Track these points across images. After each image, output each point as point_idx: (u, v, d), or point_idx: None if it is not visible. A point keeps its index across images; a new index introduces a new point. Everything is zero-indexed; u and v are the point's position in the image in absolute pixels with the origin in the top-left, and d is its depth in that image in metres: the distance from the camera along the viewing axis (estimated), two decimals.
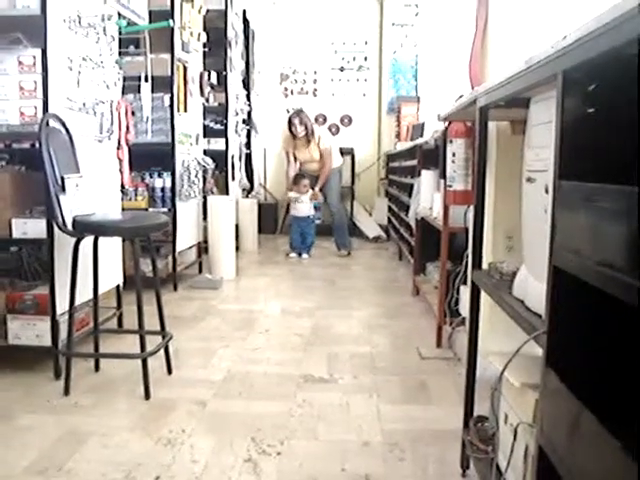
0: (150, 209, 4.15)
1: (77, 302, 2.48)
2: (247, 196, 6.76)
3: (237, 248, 5.24)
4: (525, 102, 1.53)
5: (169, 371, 2.66)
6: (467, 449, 1.77)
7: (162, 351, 2.61)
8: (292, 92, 8.04)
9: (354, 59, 7.94)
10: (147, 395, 2.38)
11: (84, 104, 2.74)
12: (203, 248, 5.00)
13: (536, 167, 1.27)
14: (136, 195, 4.11)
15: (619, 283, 0.84)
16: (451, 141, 2.69)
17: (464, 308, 2.94)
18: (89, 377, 2.61)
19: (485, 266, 1.76)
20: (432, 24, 6.42)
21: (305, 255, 6.00)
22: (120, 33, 3.13)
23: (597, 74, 1.01)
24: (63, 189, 2.38)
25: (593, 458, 0.92)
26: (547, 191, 1.18)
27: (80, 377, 2.57)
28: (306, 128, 5.93)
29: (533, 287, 1.29)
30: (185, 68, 4.39)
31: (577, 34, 0.97)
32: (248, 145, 6.98)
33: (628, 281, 0.81)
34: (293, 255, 6.01)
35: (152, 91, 3.96)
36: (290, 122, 5.98)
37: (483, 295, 1.75)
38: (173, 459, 1.91)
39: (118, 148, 3.15)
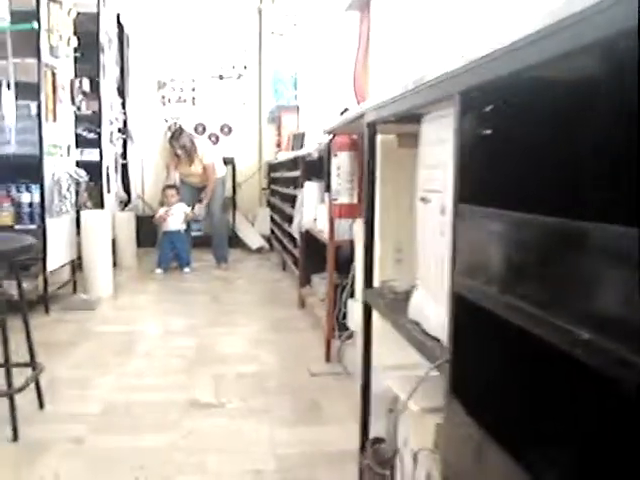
0: (17, 226, 3.82)
1: None
2: (124, 209, 6.46)
3: (115, 264, 4.96)
4: (415, 117, 1.51)
5: (41, 406, 2.43)
6: (365, 473, 1.72)
7: (32, 384, 2.38)
8: (170, 100, 7.78)
9: (233, 67, 7.81)
10: (15, 436, 2.15)
11: None
12: (77, 265, 4.69)
13: (430, 187, 1.24)
14: (0, 211, 3.78)
15: (518, 310, 0.82)
16: (336, 154, 2.66)
17: (352, 321, 2.92)
18: None
19: (377, 283, 1.73)
20: (310, 35, 6.45)
21: (187, 269, 5.79)
22: None
23: (495, 95, 0.99)
24: None
25: None
26: (443, 213, 1.15)
27: None
28: (185, 149, 5.76)
29: (430, 309, 1.26)
30: (54, 74, 4.09)
31: (476, 54, 0.94)
32: (124, 155, 6.67)
33: (525, 308, 0.79)
34: (159, 271, 5.68)
35: (16, 98, 3.65)
36: (170, 143, 5.81)
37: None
38: None
39: None
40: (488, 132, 1.01)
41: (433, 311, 1.24)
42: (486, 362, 1.02)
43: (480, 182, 1.00)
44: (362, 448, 1.79)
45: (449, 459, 1.05)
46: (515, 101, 0.98)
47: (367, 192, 1.70)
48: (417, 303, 1.34)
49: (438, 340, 1.17)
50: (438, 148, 1.19)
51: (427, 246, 1.28)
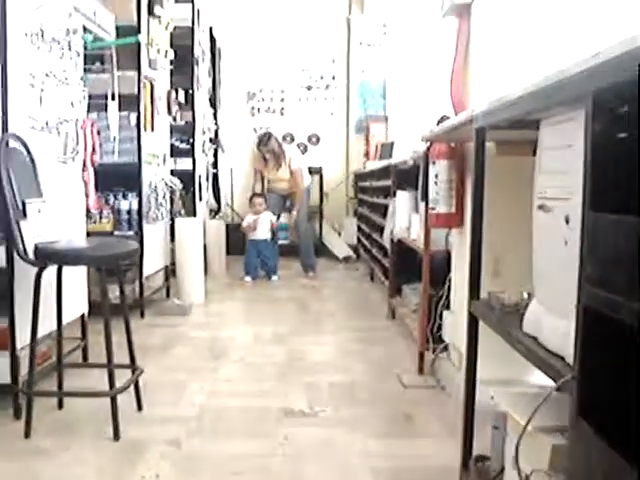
0: (116, 232, 3.97)
1: (39, 334, 2.30)
2: (214, 217, 6.60)
3: (205, 271, 5.07)
4: (527, 123, 1.45)
5: (139, 407, 2.49)
6: None
7: (131, 386, 2.44)
8: (259, 110, 7.93)
9: (322, 78, 7.88)
10: (116, 436, 2.21)
11: (47, 123, 2.58)
12: (171, 271, 4.82)
13: (551, 194, 1.17)
14: (101, 218, 3.94)
15: None
16: (434, 162, 2.61)
17: (447, 334, 2.85)
18: (52, 416, 2.43)
19: (484, 292, 1.66)
20: (401, 44, 6.41)
21: (274, 277, 5.85)
22: (85, 48, 2.98)
23: (629, 95, 0.93)
24: (24, 214, 2.22)
25: None
26: (568, 221, 1.09)
27: (42, 416, 2.37)
28: (274, 153, 5.85)
29: (549, 324, 1.19)
30: (152, 86, 4.24)
31: (611, 52, 0.88)
32: (215, 164, 6.83)
33: None
34: (248, 280, 5.76)
35: (119, 109, 3.80)
36: (258, 149, 5.91)
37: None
38: None
39: (83, 170, 2.99)
40: (623, 135, 0.95)
41: (552, 324, 1.18)
42: (615, 379, 0.96)
43: (613, 188, 0.93)
44: (464, 465, 1.73)
45: None
46: None
47: (474, 200, 1.65)
48: (534, 316, 1.27)
49: (562, 358, 1.10)
50: (562, 153, 1.13)
51: (546, 256, 1.21)
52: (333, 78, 7.89)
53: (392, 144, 5.86)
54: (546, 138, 1.22)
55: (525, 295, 1.52)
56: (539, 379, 2.30)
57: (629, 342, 0.91)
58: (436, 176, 2.57)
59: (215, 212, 6.80)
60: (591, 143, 0.94)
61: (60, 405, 2.50)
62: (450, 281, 2.86)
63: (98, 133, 3.27)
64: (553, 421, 1.30)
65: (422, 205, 2.92)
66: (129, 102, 3.99)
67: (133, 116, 4.04)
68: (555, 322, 1.17)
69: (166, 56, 4.61)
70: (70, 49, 2.75)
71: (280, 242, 6.34)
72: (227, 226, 6.43)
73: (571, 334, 1.01)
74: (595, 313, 0.93)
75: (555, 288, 1.17)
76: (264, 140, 5.86)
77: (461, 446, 1.74)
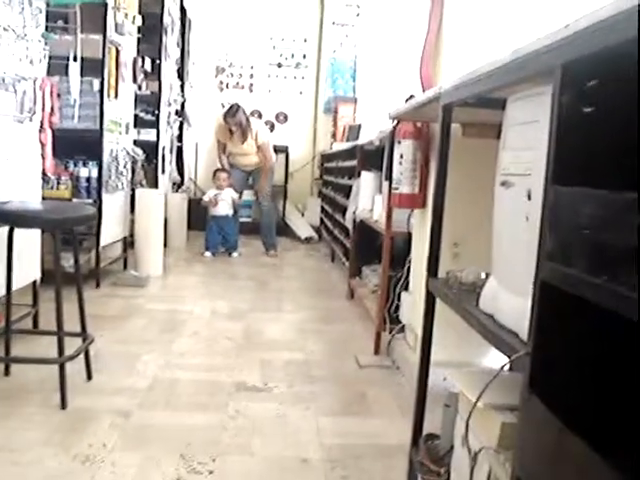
0: (74, 200, 3.86)
1: None
2: (177, 191, 6.50)
3: (165, 244, 4.99)
4: (494, 102, 1.44)
5: (89, 377, 2.43)
6: (416, 469, 1.66)
7: (82, 355, 2.39)
8: (227, 86, 7.82)
9: (292, 56, 7.79)
10: (64, 404, 2.15)
11: (3, 79, 2.48)
12: (129, 243, 4.73)
13: (514, 170, 1.16)
14: (59, 184, 3.82)
15: (618, 296, 0.74)
16: (399, 142, 2.59)
17: (405, 315, 2.86)
18: None
19: (442, 274, 1.66)
20: (373, 25, 6.36)
21: (235, 254, 5.80)
22: (48, 5, 2.87)
23: (597, 70, 0.91)
24: None
25: None
26: (530, 197, 1.08)
27: None
28: (241, 126, 5.74)
29: (506, 301, 1.19)
30: (118, 51, 4.12)
31: (583, 23, 0.86)
32: (180, 138, 6.71)
33: (629, 294, 0.72)
34: (208, 254, 5.71)
35: (81, 73, 3.68)
36: (225, 120, 5.81)
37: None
38: (92, 479, 1.71)
39: (40, 131, 2.88)
40: (589, 110, 0.94)
41: (509, 301, 1.17)
42: (569, 355, 0.95)
43: (577, 163, 0.92)
44: (414, 443, 1.73)
45: (524, 459, 0.98)
46: (620, 76, 0.90)
47: (438, 179, 1.64)
48: (491, 294, 1.26)
49: (516, 334, 1.10)
50: (527, 128, 1.11)
51: (506, 232, 1.20)
52: (304, 57, 7.81)
53: (359, 126, 5.83)
54: (512, 114, 1.20)
55: (483, 275, 1.51)
56: (494, 362, 2.33)
57: (585, 318, 0.91)
58: (401, 156, 2.56)
59: (178, 186, 6.69)
60: (557, 117, 0.92)
61: (7, 372, 2.43)
62: (410, 262, 2.86)
63: (58, 96, 3.16)
64: (505, 400, 1.30)
65: (386, 185, 2.91)
66: (93, 67, 3.88)
67: (96, 82, 3.92)
68: (512, 299, 1.16)
69: (134, 22, 4.48)
70: (31, 4, 2.63)
71: (242, 220, 6.28)
72: (190, 201, 6.34)
73: (527, 311, 1.00)
74: (552, 289, 0.92)
75: (513, 265, 1.16)
76: (232, 111, 5.75)
77: (412, 425, 1.74)
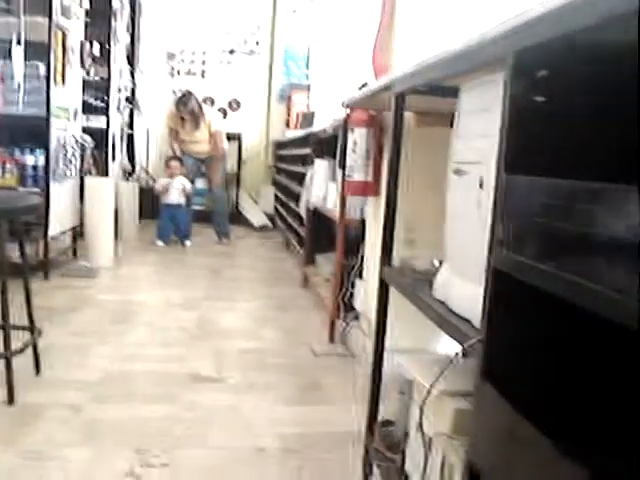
0: (20, 188, 3.75)
1: None
2: (128, 179, 6.37)
3: (116, 234, 4.89)
4: (446, 90, 1.45)
5: (37, 371, 2.37)
6: (371, 456, 1.67)
7: (29, 348, 2.32)
8: (179, 72, 7.68)
9: (245, 42, 7.69)
10: (11, 399, 2.09)
11: None
12: (79, 233, 4.62)
13: (467, 158, 1.17)
14: (4, 172, 3.70)
15: (568, 284, 0.76)
16: (352, 129, 2.59)
17: (359, 303, 2.87)
18: None
19: (396, 262, 1.66)
20: (326, 12, 6.34)
21: (187, 243, 5.73)
22: None
23: (549, 59, 0.92)
24: None
25: (533, 469, 0.84)
26: (482, 185, 1.08)
27: None
28: (193, 114, 5.66)
29: (459, 288, 1.20)
30: (64, 35, 3.99)
31: (535, 12, 0.86)
32: (130, 125, 6.56)
33: (578, 281, 0.73)
34: (160, 243, 5.64)
35: (25, 58, 3.56)
36: (177, 107, 5.71)
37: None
38: (40, 477, 1.66)
39: None
40: (540, 99, 0.95)
41: (461, 289, 1.18)
42: (521, 342, 0.97)
43: (528, 151, 0.93)
44: (369, 430, 1.74)
45: (478, 444, 0.99)
46: (569, 66, 0.92)
47: (390, 167, 1.64)
48: (443, 281, 1.27)
49: (468, 321, 1.11)
50: (480, 117, 1.12)
51: (459, 220, 1.21)
52: (257, 44, 7.72)
53: (313, 114, 5.82)
54: (465, 102, 1.21)
55: (437, 263, 1.52)
56: (447, 348, 2.36)
57: (536, 304, 0.92)
58: (354, 143, 2.55)
59: (129, 174, 6.56)
60: (509, 105, 0.93)
61: None
62: (363, 250, 2.87)
63: (2, 80, 3.05)
64: (458, 386, 1.31)
65: (339, 173, 2.91)
66: (38, 51, 3.75)
67: (42, 66, 3.80)
68: (464, 286, 1.17)
69: (81, 5, 4.36)
70: None
71: (195, 208, 6.20)
72: (141, 189, 6.23)
73: (479, 298, 1.01)
74: (504, 276, 0.93)
75: (466, 252, 1.17)
76: (184, 99, 5.66)
77: (367, 411, 1.75)
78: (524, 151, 0.93)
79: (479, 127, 1.12)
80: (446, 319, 1.16)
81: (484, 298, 0.98)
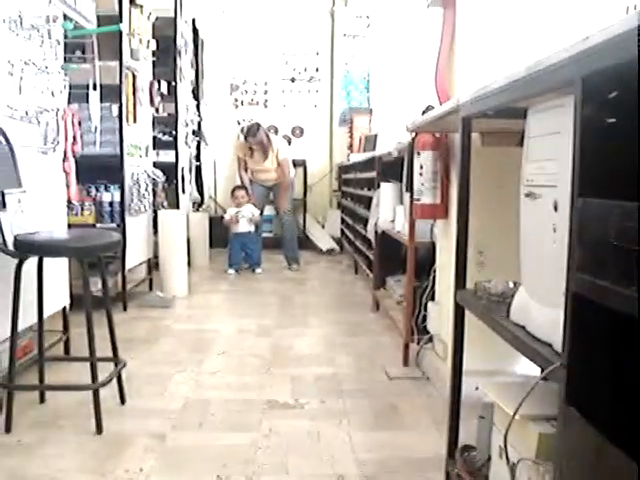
0: (98, 225, 3.92)
1: (20, 327, 2.26)
2: (197, 210, 6.56)
3: (188, 263, 5.03)
4: (514, 112, 1.45)
5: (122, 401, 2.46)
6: None
7: (114, 379, 2.41)
8: (242, 103, 7.89)
9: (305, 70, 7.84)
10: (99, 429, 2.18)
11: (26, 112, 2.53)
12: (153, 264, 4.78)
13: (539, 182, 1.17)
14: (82, 210, 3.89)
15: None
16: (418, 153, 2.60)
17: (432, 325, 2.85)
18: (33, 410, 2.39)
19: (469, 285, 1.66)
20: (385, 35, 6.39)
21: (258, 270, 5.83)
22: (66, 37, 2.93)
23: (618, 81, 0.92)
24: (3, 205, 2.18)
25: None
26: (556, 208, 1.08)
27: (23, 410, 2.34)
28: (262, 145, 5.81)
29: (537, 312, 1.19)
30: (134, 76, 4.19)
31: (601, 37, 0.87)
32: (198, 157, 6.78)
33: None
34: (231, 272, 5.74)
35: (100, 100, 3.74)
36: (246, 140, 5.87)
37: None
38: None
39: (64, 160, 2.94)
40: (612, 120, 0.94)
41: (540, 312, 1.17)
42: (604, 366, 0.95)
43: (603, 174, 0.93)
44: (450, 455, 1.73)
45: (564, 469, 0.98)
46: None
47: (460, 190, 1.64)
48: (521, 304, 1.27)
49: (550, 345, 1.10)
50: (550, 140, 1.12)
51: (534, 244, 1.21)
52: (317, 70, 7.86)
53: (376, 136, 5.84)
54: (534, 126, 1.21)
55: (511, 284, 1.51)
56: (524, 370, 2.32)
57: (618, 328, 0.91)
58: (421, 167, 2.57)
59: (198, 205, 6.75)
60: (580, 129, 0.93)
61: (42, 399, 2.46)
62: (435, 272, 2.86)
63: (79, 124, 3.22)
64: (540, 410, 1.29)
65: (407, 196, 2.92)
66: (111, 93, 3.94)
67: (115, 107, 3.99)
68: (543, 310, 1.16)
69: (148, 46, 4.55)
70: (50, 37, 2.69)
71: (264, 235, 6.31)
72: (210, 219, 6.39)
73: (559, 322, 1.00)
74: (584, 300, 0.92)
75: (543, 276, 1.16)
76: (252, 131, 5.80)
77: (447, 436, 1.74)
78: (598, 174, 0.93)
79: (550, 150, 1.12)
80: (526, 343, 1.15)
81: (564, 322, 0.97)
